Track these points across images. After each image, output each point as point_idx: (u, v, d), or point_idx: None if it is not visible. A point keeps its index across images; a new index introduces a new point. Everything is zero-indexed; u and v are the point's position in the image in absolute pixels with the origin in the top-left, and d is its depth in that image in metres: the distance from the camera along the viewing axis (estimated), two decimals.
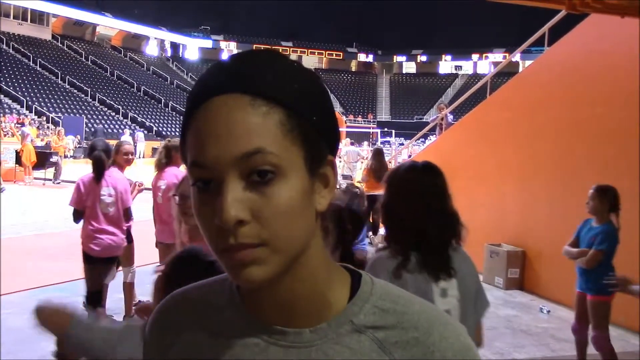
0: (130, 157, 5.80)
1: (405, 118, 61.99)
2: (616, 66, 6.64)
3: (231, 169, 0.67)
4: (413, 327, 0.75)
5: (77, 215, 5.31)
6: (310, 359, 0.74)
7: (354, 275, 0.80)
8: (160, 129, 43.45)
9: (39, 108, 37.77)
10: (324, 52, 77.67)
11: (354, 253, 2.59)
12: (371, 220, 9.97)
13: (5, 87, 38.35)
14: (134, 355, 1.93)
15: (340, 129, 0.78)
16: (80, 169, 19.28)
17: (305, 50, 74.12)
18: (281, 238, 0.68)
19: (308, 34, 77.01)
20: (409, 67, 79.12)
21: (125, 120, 42.78)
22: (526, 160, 7.92)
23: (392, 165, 13.56)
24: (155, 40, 67.35)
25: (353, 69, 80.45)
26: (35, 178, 18.86)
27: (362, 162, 20.27)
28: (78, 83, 45.44)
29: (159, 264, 3.81)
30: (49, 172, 19.02)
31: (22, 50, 46.67)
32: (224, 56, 71.07)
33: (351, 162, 20.51)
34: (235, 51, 71.33)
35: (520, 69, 12.76)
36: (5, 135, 24.48)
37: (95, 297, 5.21)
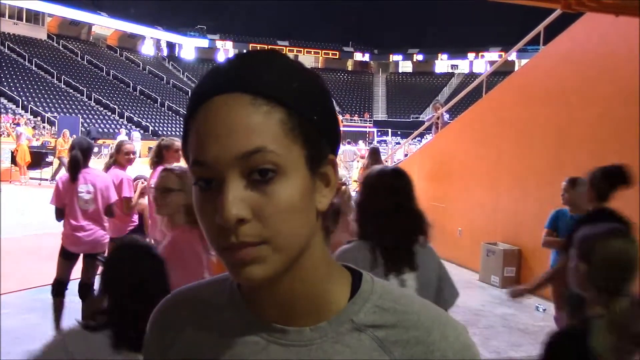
0: (132, 156, 5.82)
1: (402, 117, 62.02)
2: (612, 65, 6.66)
3: (232, 167, 0.67)
4: (413, 326, 0.75)
5: (59, 213, 5.39)
6: (310, 357, 0.74)
7: (354, 274, 0.81)
8: (157, 128, 43.39)
9: (34, 108, 37.72)
10: (320, 51, 77.64)
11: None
12: None
13: (0, 87, 38.27)
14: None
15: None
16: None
17: (302, 49, 74.11)
18: (282, 236, 0.68)
19: (304, 33, 77.03)
20: (405, 66, 79.14)
21: (121, 120, 42.73)
22: (522, 158, 7.93)
23: (388, 164, 13.57)
24: (151, 39, 67.25)
25: (349, 68, 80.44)
26: (31, 178, 18.82)
27: (358, 162, 20.30)
28: (74, 83, 45.36)
29: None
30: (45, 172, 18.97)
31: (18, 50, 46.58)
32: (220, 56, 71.14)
33: (348, 162, 20.55)
34: (231, 51, 71.41)
35: (516, 68, 12.78)
36: (0, 136, 24.41)
37: (60, 287, 5.29)
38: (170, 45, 70.72)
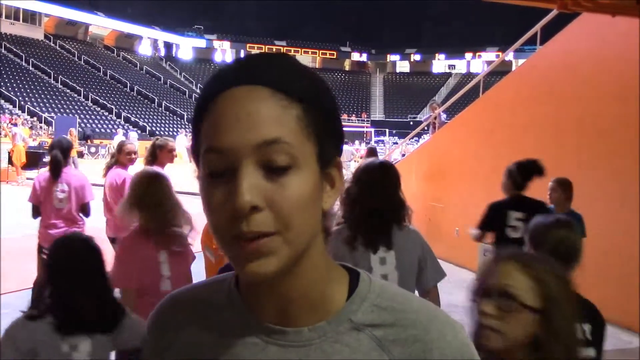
0: (134, 156, 5.84)
1: (399, 117, 62.04)
2: (608, 64, 6.67)
3: (249, 155, 0.67)
4: (412, 324, 0.75)
5: (35, 211, 5.47)
6: (310, 358, 0.74)
7: (352, 273, 0.81)
8: (154, 128, 43.34)
9: (31, 108, 37.65)
10: (317, 51, 77.64)
11: None
12: None
13: None
14: None
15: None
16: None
17: (299, 49, 74.09)
18: (294, 228, 0.68)
19: (301, 33, 77.22)
20: (403, 66, 79.16)
21: (118, 120, 42.68)
22: (519, 158, 7.94)
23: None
24: (149, 39, 67.18)
25: (347, 68, 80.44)
26: (28, 178, 18.80)
27: (356, 162, 20.34)
28: (71, 83, 45.30)
29: None
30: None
31: (15, 50, 46.49)
32: (218, 56, 71.11)
33: (345, 162, 20.60)
34: (228, 51, 71.36)
35: (514, 68, 12.80)
36: None
37: None
38: (168, 45, 70.64)
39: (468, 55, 73.20)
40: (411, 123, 51.08)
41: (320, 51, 77.98)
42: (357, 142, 38.86)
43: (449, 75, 73.69)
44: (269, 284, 0.73)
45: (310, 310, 0.76)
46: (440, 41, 75.05)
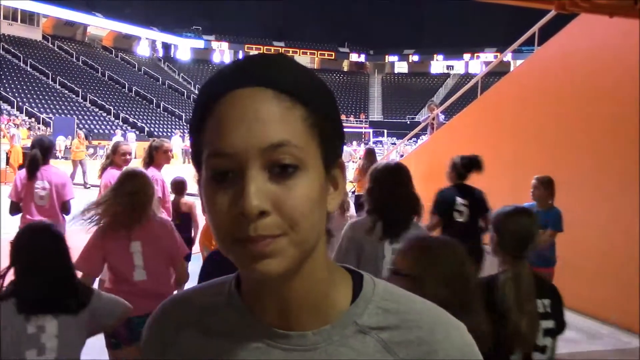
0: (128, 157, 5.85)
1: (398, 118, 62.06)
2: (606, 65, 6.68)
3: (255, 158, 0.66)
4: (417, 326, 0.75)
5: (14, 208, 5.57)
6: None
7: (354, 275, 0.80)
8: (152, 129, 43.34)
9: (29, 109, 37.61)
10: (315, 52, 77.61)
11: None
12: None
13: None
14: None
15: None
16: (71, 170, 19.19)
17: (297, 50, 74.07)
18: (300, 230, 0.68)
19: (300, 33, 77.00)
20: (401, 67, 79.16)
21: (117, 120, 42.67)
22: (517, 158, 7.96)
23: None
24: (147, 40, 67.14)
25: (345, 68, 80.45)
26: None
27: (354, 162, 20.33)
28: (69, 83, 45.25)
29: None
30: None
31: (13, 50, 46.46)
32: (216, 57, 71.07)
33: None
34: (226, 52, 71.33)
35: (512, 69, 12.82)
36: None
37: None
38: (166, 46, 70.61)
39: (466, 56, 73.23)
40: (409, 123, 51.11)
41: (319, 52, 77.95)
42: (355, 143, 38.93)
43: (447, 76, 73.72)
44: (272, 286, 0.72)
45: (314, 313, 0.75)
46: (438, 42, 74.95)
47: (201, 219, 5.42)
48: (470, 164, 5.35)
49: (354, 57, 79.65)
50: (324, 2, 77.70)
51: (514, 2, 6.47)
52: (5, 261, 2.50)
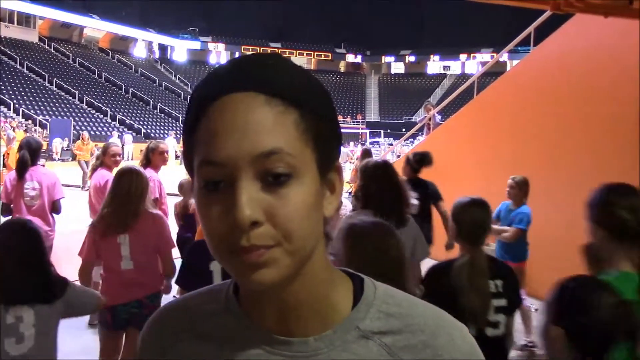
0: (118, 158, 5.86)
1: (394, 118, 62.11)
2: (602, 64, 6.69)
3: (247, 168, 0.65)
4: (419, 330, 0.74)
5: (4, 208, 5.61)
6: None
7: (355, 279, 0.79)
8: (149, 131, 43.28)
9: (26, 111, 37.53)
10: (312, 52, 77.66)
11: None
12: None
13: None
14: None
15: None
16: (68, 172, 19.17)
17: (294, 51, 74.09)
18: (294, 240, 0.66)
19: (296, 34, 76.96)
20: (398, 68, 79.22)
21: (113, 122, 42.61)
22: (513, 159, 7.96)
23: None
24: (143, 42, 67.12)
25: (342, 69, 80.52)
26: None
27: (351, 163, 20.33)
28: (65, 85, 45.18)
29: None
30: None
31: (9, 52, 46.36)
32: (212, 58, 71.02)
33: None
34: (223, 53, 71.30)
35: (508, 69, 12.83)
36: None
37: None
38: (162, 48, 70.59)
39: (462, 57, 73.30)
40: (405, 124, 51.14)
41: (315, 53, 78.01)
42: (352, 143, 38.93)
43: (443, 76, 73.80)
44: (271, 292, 0.71)
45: (315, 319, 0.73)
46: (434, 42, 74.96)
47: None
48: (422, 160, 6.07)
49: (350, 57, 79.69)
50: (321, 3, 77.67)
51: (509, 3, 6.48)
52: None
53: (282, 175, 0.65)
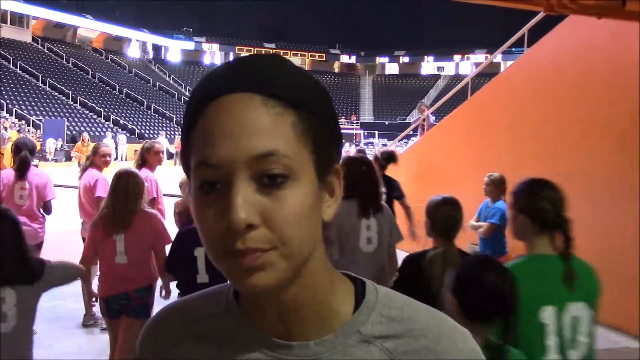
0: (108, 158, 5.91)
1: (389, 119, 62.19)
2: (596, 66, 6.72)
3: (243, 170, 0.64)
4: (422, 334, 0.73)
5: None
6: None
7: (356, 283, 0.78)
8: (143, 131, 43.19)
9: (19, 111, 37.37)
10: (306, 53, 77.65)
11: None
12: None
13: None
14: None
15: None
16: (62, 172, 19.12)
17: (288, 51, 74.04)
18: (291, 244, 0.65)
19: (291, 35, 77.02)
20: (392, 68, 79.27)
21: (107, 122, 42.50)
22: (506, 160, 7.99)
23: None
24: (137, 42, 66.98)
25: (336, 70, 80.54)
26: None
27: None
28: (59, 86, 45.02)
29: None
30: None
31: (2, 52, 46.12)
32: (207, 58, 70.95)
33: None
34: (217, 53, 71.23)
35: (502, 70, 12.86)
36: None
37: None
38: (156, 48, 70.45)
39: (456, 57, 73.44)
40: (399, 125, 51.20)
41: (309, 53, 78.00)
42: (346, 144, 38.90)
43: (437, 77, 73.90)
44: (269, 296, 0.70)
45: (315, 323, 0.73)
46: (429, 43, 75.18)
47: None
48: (389, 158, 6.68)
49: (344, 58, 79.75)
50: (315, 4, 77.73)
51: (503, 4, 6.50)
52: None
53: (278, 177, 0.64)
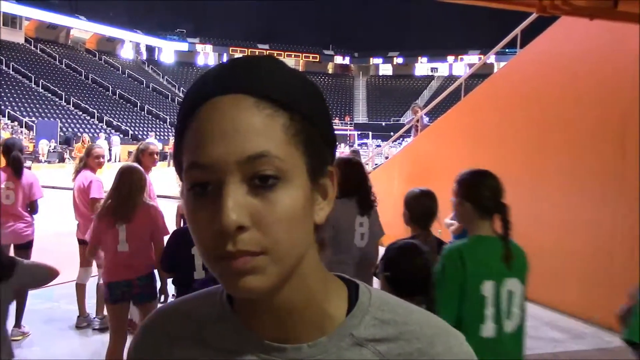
0: (102, 159, 5.91)
1: (382, 120, 62.25)
2: (588, 67, 6.75)
3: (234, 171, 0.63)
4: (416, 338, 0.72)
5: None
6: None
7: (350, 285, 0.77)
8: (136, 132, 43.11)
9: (12, 112, 37.27)
10: (300, 54, 77.69)
11: None
12: None
13: None
14: None
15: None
16: (55, 173, 19.06)
17: (282, 52, 74.02)
18: (282, 247, 0.65)
19: (284, 36, 77.09)
20: (385, 69, 79.38)
21: (100, 124, 42.41)
22: (498, 160, 8.01)
23: (369, 167, 13.66)
24: (131, 43, 66.86)
25: (330, 71, 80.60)
26: None
27: None
28: (52, 87, 44.91)
29: None
30: None
31: None
32: (200, 59, 70.88)
33: None
34: (211, 54, 71.18)
35: (495, 71, 12.90)
36: None
37: None
38: (150, 49, 70.35)
39: (450, 58, 73.59)
40: (393, 126, 51.25)
41: (303, 54, 78.05)
42: (341, 145, 38.94)
43: (431, 78, 74.03)
44: (264, 299, 0.69)
45: (309, 326, 0.72)
46: (422, 44, 75.23)
47: None
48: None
49: (338, 59, 79.85)
50: (309, 5, 77.78)
51: (496, 5, 6.52)
52: None
53: (270, 178, 0.64)
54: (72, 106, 43.68)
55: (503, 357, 2.46)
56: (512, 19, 9.37)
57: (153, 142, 6.22)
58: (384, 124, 59.27)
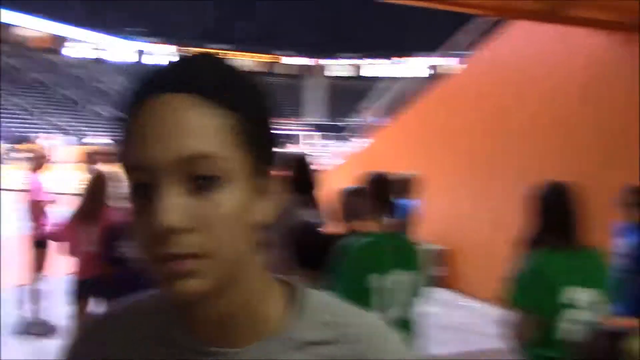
0: (44, 160, 5.92)
1: (332, 121, 62.46)
2: (540, 68, 6.83)
3: (171, 172, 0.62)
4: (356, 340, 0.72)
5: None
6: None
7: (290, 287, 0.76)
8: (81, 133, 42.18)
9: None
10: (254, 55, 77.29)
11: None
12: None
13: None
14: None
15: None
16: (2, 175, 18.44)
17: (235, 53, 73.46)
18: (222, 249, 0.63)
19: (238, 36, 76.47)
20: (337, 70, 79.65)
21: (42, 123, 41.36)
22: (452, 160, 8.08)
23: (319, 167, 13.68)
24: (77, 41, 65.30)
25: (280, 71, 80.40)
26: None
27: None
28: None
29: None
30: None
31: None
32: (152, 59, 69.75)
33: None
34: (159, 53, 70.08)
35: (450, 72, 13.05)
36: None
37: None
38: (98, 48, 68.85)
39: (403, 60, 74.27)
40: (342, 126, 51.48)
41: (255, 55, 77.67)
42: (290, 145, 38.90)
43: (381, 79, 74.51)
44: (203, 302, 0.67)
45: (247, 329, 0.71)
46: (375, 45, 75.77)
47: None
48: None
49: (289, 60, 79.71)
50: (261, 5, 77.49)
51: (447, 7, 6.56)
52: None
53: (210, 179, 0.62)
54: (14, 105, 42.42)
55: None
56: (462, 21, 9.47)
57: (106, 144, 6.32)
58: (331, 124, 59.49)
